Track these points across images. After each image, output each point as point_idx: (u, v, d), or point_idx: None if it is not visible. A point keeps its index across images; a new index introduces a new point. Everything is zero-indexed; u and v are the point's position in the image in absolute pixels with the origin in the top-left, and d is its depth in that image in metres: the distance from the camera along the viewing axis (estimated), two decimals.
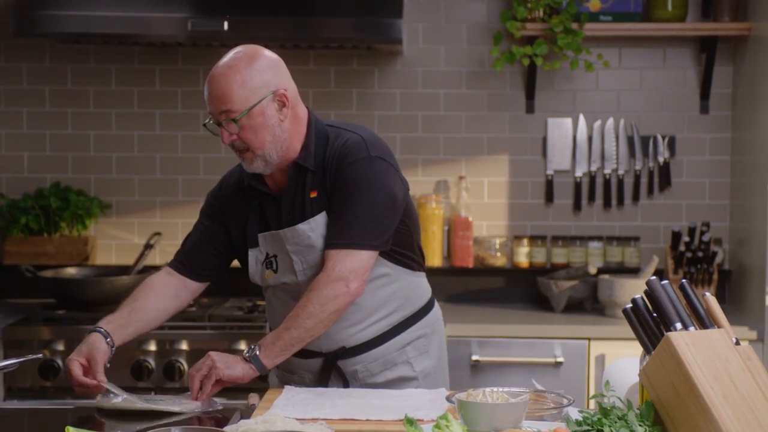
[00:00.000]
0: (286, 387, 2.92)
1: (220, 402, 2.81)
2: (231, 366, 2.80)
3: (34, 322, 4.21)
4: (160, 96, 4.83)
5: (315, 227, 2.88)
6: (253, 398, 2.84)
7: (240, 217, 3.02)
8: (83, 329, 4.13)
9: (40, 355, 3.95)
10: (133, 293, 3.07)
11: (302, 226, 2.88)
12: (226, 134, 2.83)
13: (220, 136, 2.85)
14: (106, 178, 4.84)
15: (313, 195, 2.89)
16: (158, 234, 4.67)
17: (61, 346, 4.11)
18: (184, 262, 3.12)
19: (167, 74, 4.83)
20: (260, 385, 3.93)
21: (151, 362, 4.09)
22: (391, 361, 3.01)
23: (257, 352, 2.81)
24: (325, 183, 2.89)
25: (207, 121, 2.87)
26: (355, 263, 2.83)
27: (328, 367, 2.99)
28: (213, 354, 2.82)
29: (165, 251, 4.80)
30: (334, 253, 2.84)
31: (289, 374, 3.05)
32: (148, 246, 4.59)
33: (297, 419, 2.45)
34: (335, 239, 2.85)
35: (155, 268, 4.52)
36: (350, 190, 2.86)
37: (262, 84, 2.82)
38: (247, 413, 2.67)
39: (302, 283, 2.91)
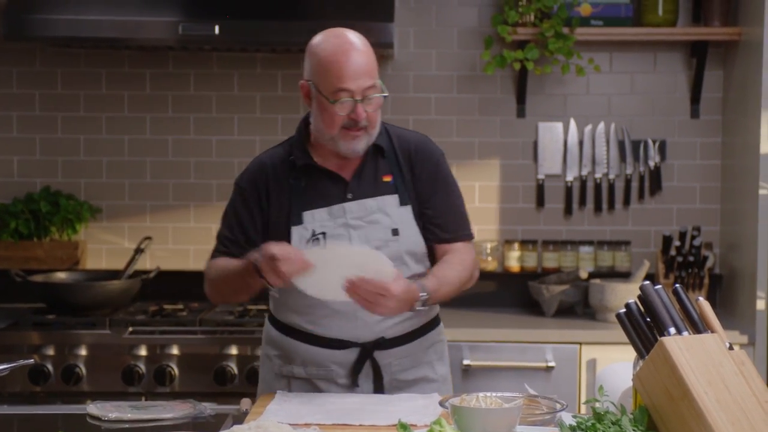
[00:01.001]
0: (279, 392, 2.92)
1: (211, 407, 2.80)
2: (402, 310, 2.83)
3: (24, 327, 4.19)
4: (150, 100, 4.82)
5: (383, 206, 2.96)
6: (246, 403, 2.83)
7: (280, 196, 2.99)
8: (73, 334, 4.12)
9: (32, 361, 3.94)
10: (219, 263, 3.00)
11: (371, 202, 2.96)
12: (362, 111, 2.85)
13: (347, 114, 2.85)
14: (97, 182, 4.83)
15: (387, 179, 2.99)
16: (149, 238, 4.67)
17: (51, 351, 4.09)
18: (233, 255, 3.03)
19: (158, 78, 4.82)
20: (252, 389, 3.94)
21: (142, 367, 4.08)
22: (419, 360, 3.06)
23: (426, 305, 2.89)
24: (401, 171, 2.99)
25: (335, 99, 2.84)
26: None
27: (363, 358, 2.98)
28: (398, 294, 2.74)
29: (155, 255, 4.79)
30: (462, 245, 3.07)
31: (315, 368, 3.01)
32: (139, 250, 4.58)
33: (290, 425, 2.44)
34: (460, 231, 3.08)
35: (146, 273, 4.53)
36: (449, 186, 3.07)
37: (377, 65, 2.93)
38: (239, 419, 2.67)
39: None
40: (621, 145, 4.82)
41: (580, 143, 4.82)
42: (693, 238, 4.58)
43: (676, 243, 4.61)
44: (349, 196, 2.96)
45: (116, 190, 4.83)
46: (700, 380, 2.14)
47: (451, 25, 4.81)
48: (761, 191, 4.18)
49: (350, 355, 2.98)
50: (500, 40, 4.68)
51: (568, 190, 4.82)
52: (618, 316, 2.37)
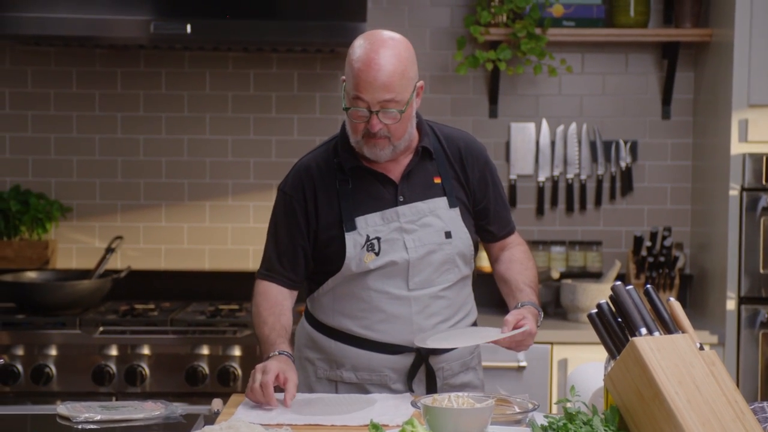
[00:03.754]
0: None
1: (182, 408, 2.79)
2: None
3: None
4: (121, 99, 4.80)
5: (434, 209, 2.94)
6: (217, 404, 2.82)
7: (330, 201, 2.94)
8: (43, 334, 4.09)
9: (1, 361, 3.92)
10: (264, 307, 2.96)
11: (421, 205, 2.93)
12: (377, 122, 2.79)
13: (364, 122, 2.80)
14: (67, 181, 4.80)
15: (438, 181, 2.97)
16: (120, 238, 4.64)
17: (20, 351, 4.06)
18: (282, 272, 3.00)
19: (129, 77, 4.79)
20: (224, 390, 3.93)
21: (113, 367, 4.06)
22: (466, 364, 3.06)
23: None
24: (450, 172, 2.98)
25: (350, 106, 2.80)
26: None
27: (418, 363, 2.96)
28: (535, 331, 2.85)
29: (126, 255, 4.77)
30: (515, 237, 3.14)
31: (367, 372, 2.97)
32: (110, 250, 4.56)
33: (261, 425, 2.44)
34: (511, 224, 3.13)
35: (117, 272, 4.51)
36: (496, 182, 3.08)
37: (414, 75, 2.85)
38: (210, 419, 2.66)
39: (412, 260, 2.91)
40: (593, 145, 4.83)
41: (552, 144, 4.84)
42: (664, 238, 4.60)
43: (647, 243, 4.63)
44: (401, 198, 2.93)
45: (87, 189, 4.80)
46: (671, 380, 2.15)
47: (423, 26, 4.81)
48: (731, 192, 4.20)
49: (405, 360, 2.95)
50: (473, 40, 4.69)
51: (540, 191, 4.83)
52: (590, 316, 2.37)
